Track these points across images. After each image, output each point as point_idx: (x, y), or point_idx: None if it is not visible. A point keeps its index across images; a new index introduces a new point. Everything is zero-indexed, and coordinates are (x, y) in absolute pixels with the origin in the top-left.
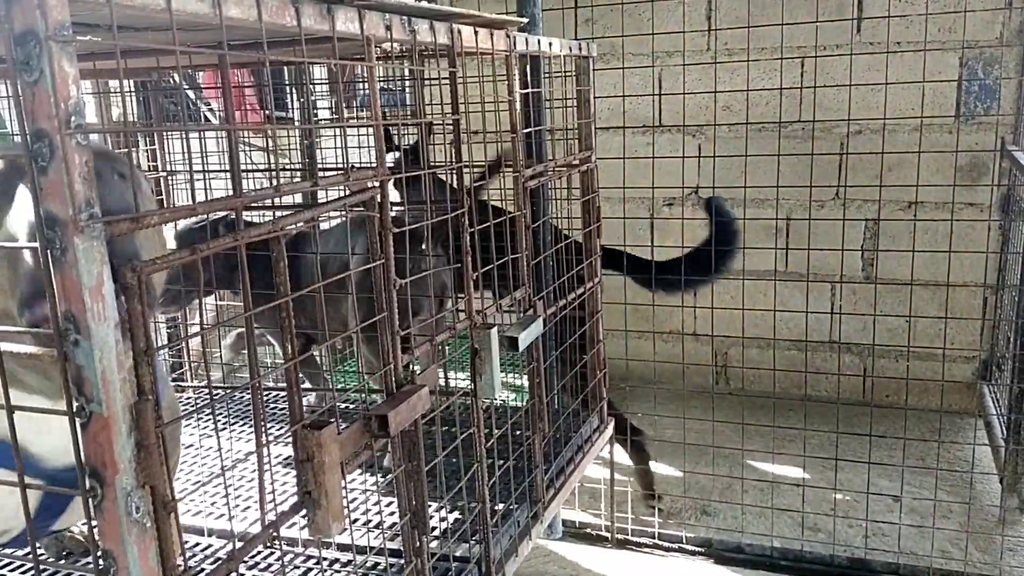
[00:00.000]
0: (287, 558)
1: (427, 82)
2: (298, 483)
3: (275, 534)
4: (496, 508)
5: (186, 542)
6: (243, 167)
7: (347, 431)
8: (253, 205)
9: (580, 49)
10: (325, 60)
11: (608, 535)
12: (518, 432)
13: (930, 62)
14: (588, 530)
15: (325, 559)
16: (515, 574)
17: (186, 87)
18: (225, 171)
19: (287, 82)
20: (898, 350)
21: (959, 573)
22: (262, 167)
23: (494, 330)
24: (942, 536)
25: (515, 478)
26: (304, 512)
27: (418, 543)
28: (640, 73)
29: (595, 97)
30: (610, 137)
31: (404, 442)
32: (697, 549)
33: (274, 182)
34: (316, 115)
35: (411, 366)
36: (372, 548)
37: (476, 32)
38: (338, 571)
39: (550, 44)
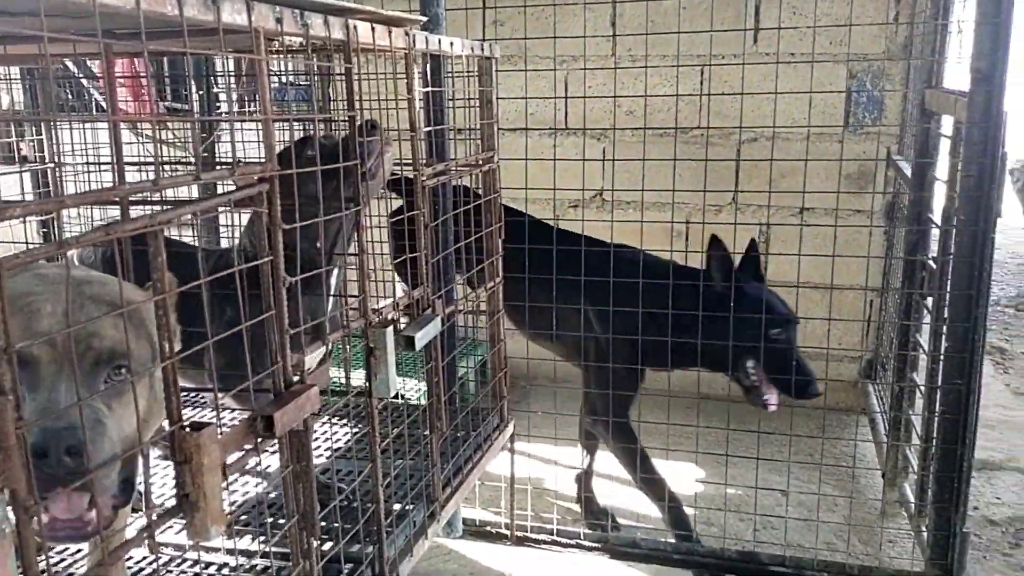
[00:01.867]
0: (167, 562)
1: (334, 78)
2: (176, 485)
3: (151, 537)
4: (393, 508)
5: (53, 547)
6: (138, 159)
7: (230, 432)
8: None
9: (483, 50)
10: (209, 51)
11: (508, 532)
12: (418, 430)
13: (821, 73)
14: (488, 528)
15: (211, 563)
16: (412, 573)
17: (81, 76)
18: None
19: (186, 73)
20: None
21: (841, 564)
22: (165, 160)
23: (390, 329)
24: (827, 529)
25: (412, 477)
26: (182, 515)
27: (306, 545)
28: (547, 76)
29: (499, 98)
30: (516, 138)
31: (292, 442)
32: (594, 545)
33: (168, 174)
34: (218, 108)
35: (302, 365)
36: (258, 551)
37: (373, 28)
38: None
39: (451, 44)
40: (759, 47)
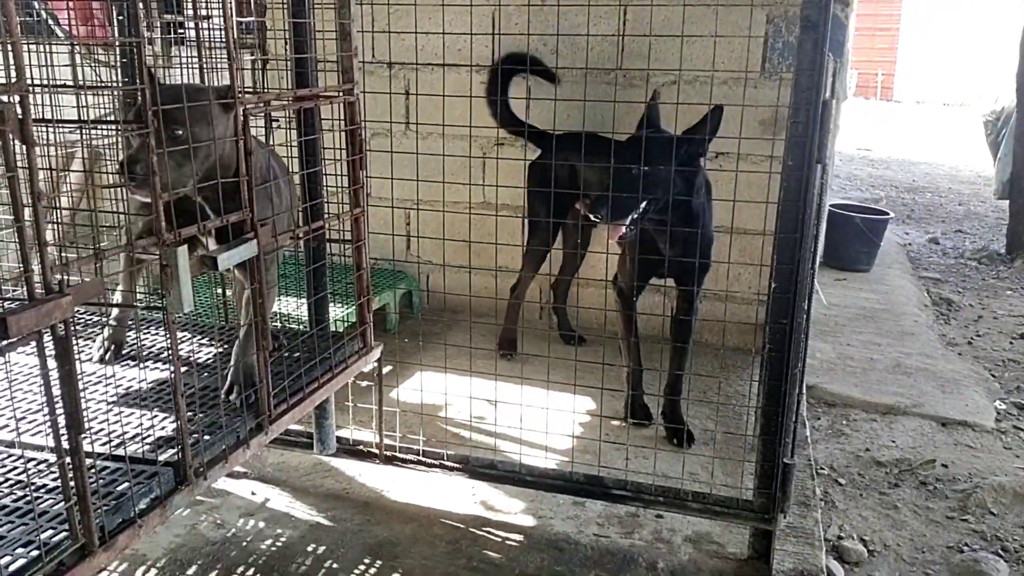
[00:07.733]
0: None
1: None
2: None
3: None
4: (219, 418)
5: None
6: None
7: None
8: None
9: None
10: None
11: (377, 451)
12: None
13: (741, 17)
14: (360, 447)
15: None
16: (291, 487)
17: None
18: None
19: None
20: (705, 291)
21: (676, 489)
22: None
23: (182, 248)
24: (695, 460)
25: (237, 392)
26: None
27: (75, 443)
28: (476, 12)
29: (390, 32)
30: (441, 74)
31: (56, 346)
32: (455, 466)
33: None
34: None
35: (65, 276)
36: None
37: None
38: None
39: None
40: None
